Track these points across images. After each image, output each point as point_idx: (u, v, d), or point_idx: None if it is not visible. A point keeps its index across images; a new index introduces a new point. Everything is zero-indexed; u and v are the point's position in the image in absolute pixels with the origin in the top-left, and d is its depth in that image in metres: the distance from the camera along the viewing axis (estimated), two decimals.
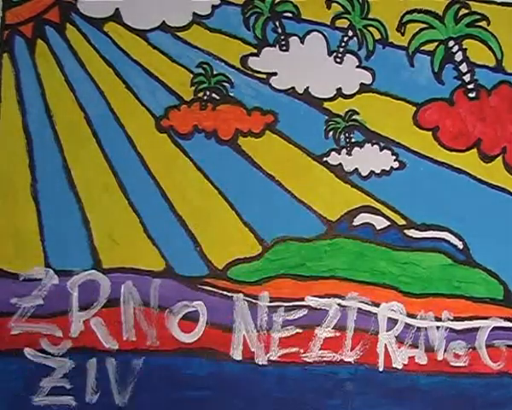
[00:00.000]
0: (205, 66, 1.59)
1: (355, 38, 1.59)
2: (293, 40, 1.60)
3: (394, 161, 1.60)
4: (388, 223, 1.60)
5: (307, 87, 1.59)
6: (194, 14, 1.58)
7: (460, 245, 1.61)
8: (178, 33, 1.59)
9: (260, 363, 1.57)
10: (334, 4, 1.59)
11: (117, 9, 1.57)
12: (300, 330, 1.58)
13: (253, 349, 1.57)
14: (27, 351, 1.54)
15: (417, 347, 1.59)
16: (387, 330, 1.59)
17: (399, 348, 1.59)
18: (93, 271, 1.56)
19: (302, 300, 1.58)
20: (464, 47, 1.60)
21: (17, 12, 1.58)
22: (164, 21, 1.58)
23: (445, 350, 1.59)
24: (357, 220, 1.60)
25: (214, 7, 1.59)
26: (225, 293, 1.57)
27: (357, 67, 1.60)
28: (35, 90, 1.58)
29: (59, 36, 1.58)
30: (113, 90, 1.59)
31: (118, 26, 1.59)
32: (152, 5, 1.58)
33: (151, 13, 1.58)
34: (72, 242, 1.56)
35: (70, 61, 1.58)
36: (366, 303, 1.59)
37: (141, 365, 1.55)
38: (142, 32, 1.59)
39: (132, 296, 1.56)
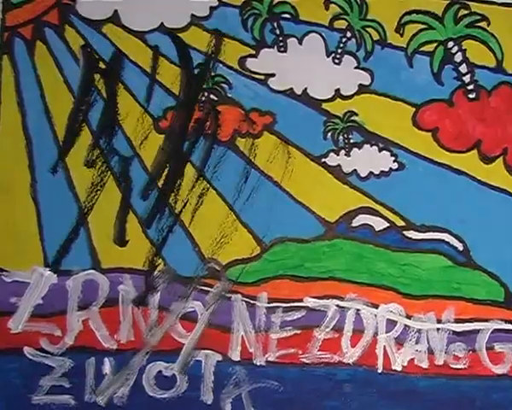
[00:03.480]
0: (203, 67, 1.62)
1: (353, 39, 1.62)
2: (292, 41, 1.64)
3: (393, 162, 1.63)
4: (387, 224, 1.63)
5: (305, 88, 1.63)
6: (193, 15, 1.62)
7: (460, 247, 1.63)
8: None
9: (258, 364, 1.60)
10: (332, 5, 1.63)
11: (115, 11, 1.62)
12: (299, 331, 1.61)
13: (251, 350, 1.61)
14: (27, 350, 1.60)
15: (417, 349, 1.61)
16: (386, 332, 1.62)
17: (399, 349, 1.62)
18: (92, 270, 1.61)
19: (300, 301, 1.61)
20: (464, 48, 1.63)
21: (17, 14, 1.63)
22: (162, 23, 1.61)
23: (445, 352, 1.62)
24: (356, 221, 1.64)
25: (212, 8, 1.63)
26: (224, 293, 1.60)
27: (356, 67, 1.62)
28: (35, 92, 1.63)
29: (58, 38, 1.63)
30: (112, 91, 1.62)
31: (116, 27, 1.62)
32: (150, 7, 1.61)
33: (149, 14, 1.61)
34: (72, 242, 1.60)
35: (69, 62, 1.62)
36: (365, 305, 1.61)
37: (139, 364, 1.59)
38: (141, 34, 1.63)
39: (131, 296, 1.59)
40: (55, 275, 1.60)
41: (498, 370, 1.63)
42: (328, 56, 1.63)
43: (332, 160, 1.63)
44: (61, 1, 1.62)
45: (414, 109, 1.63)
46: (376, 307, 1.62)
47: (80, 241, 1.61)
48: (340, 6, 1.63)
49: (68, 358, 1.60)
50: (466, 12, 1.63)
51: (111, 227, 1.61)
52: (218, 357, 1.61)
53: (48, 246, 1.61)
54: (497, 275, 1.63)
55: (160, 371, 1.61)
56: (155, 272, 1.61)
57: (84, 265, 1.61)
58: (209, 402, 1.60)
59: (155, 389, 1.60)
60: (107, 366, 1.60)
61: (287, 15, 1.63)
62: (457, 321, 1.63)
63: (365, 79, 1.63)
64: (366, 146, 1.64)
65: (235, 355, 1.61)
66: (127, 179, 1.62)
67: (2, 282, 1.59)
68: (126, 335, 1.60)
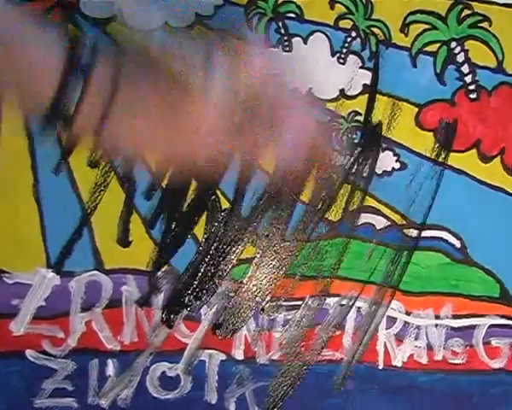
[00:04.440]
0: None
1: (358, 39, 1.62)
2: (297, 41, 1.62)
3: (396, 161, 1.64)
4: (389, 223, 1.64)
5: (310, 88, 1.62)
6: (197, 14, 1.60)
7: (458, 244, 1.65)
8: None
9: (262, 362, 1.61)
10: (337, 5, 1.61)
11: (119, 10, 1.58)
12: (301, 330, 1.62)
13: (254, 349, 1.61)
14: (29, 353, 1.58)
15: (416, 345, 1.64)
16: (387, 329, 1.64)
17: (399, 346, 1.65)
18: (95, 271, 1.59)
19: (303, 299, 1.62)
20: (466, 48, 1.64)
21: None
22: (166, 22, 1.59)
23: (444, 348, 1.65)
24: (358, 220, 1.64)
25: (217, 7, 1.60)
26: (226, 292, 1.61)
27: (361, 67, 1.62)
28: None
29: None
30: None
31: (120, 26, 1.59)
32: (154, 6, 1.59)
33: (153, 14, 1.59)
34: (75, 242, 1.58)
35: None
36: (366, 302, 1.63)
37: (143, 365, 1.59)
38: (145, 33, 1.60)
39: (134, 297, 1.59)
40: (58, 276, 1.59)
41: (495, 364, 1.67)
42: (333, 56, 1.63)
43: (335, 159, 1.64)
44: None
45: (417, 109, 1.65)
46: (377, 304, 1.65)
47: (83, 242, 1.60)
48: (345, 5, 1.63)
49: (71, 360, 1.60)
50: (469, 12, 1.64)
51: (114, 228, 1.60)
52: (222, 356, 1.62)
53: (50, 247, 1.59)
54: (492, 271, 1.67)
55: (163, 372, 1.61)
56: (159, 273, 1.60)
57: (87, 266, 1.60)
58: (213, 402, 1.62)
59: (159, 390, 1.61)
60: (111, 368, 1.60)
61: (292, 15, 1.62)
62: (455, 317, 1.66)
63: (369, 79, 1.63)
64: None
65: (239, 354, 1.62)
66: (131, 179, 1.61)
67: (4, 283, 1.58)
68: (130, 336, 1.60)
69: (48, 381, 1.59)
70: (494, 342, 1.67)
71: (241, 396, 1.62)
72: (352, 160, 1.63)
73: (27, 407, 1.58)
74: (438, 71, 1.65)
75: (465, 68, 1.65)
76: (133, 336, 1.60)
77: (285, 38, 1.63)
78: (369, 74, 1.64)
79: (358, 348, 1.63)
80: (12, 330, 1.58)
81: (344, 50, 1.64)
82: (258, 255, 1.62)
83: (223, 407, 1.62)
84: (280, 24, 1.63)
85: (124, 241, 1.60)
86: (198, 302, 1.60)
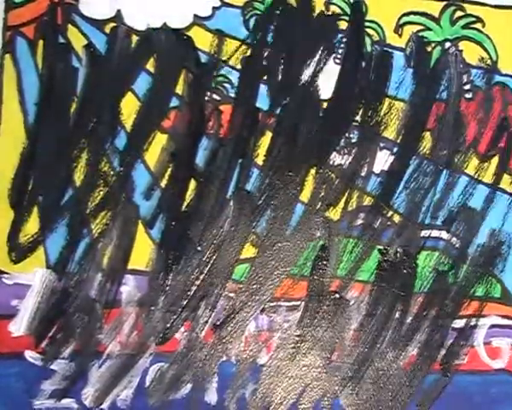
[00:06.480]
0: (206, 67, 1.63)
1: None
2: None
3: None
4: (388, 223, 1.65)
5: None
6: (195, 15, 1.64)
7: (458, 244, 1.65)
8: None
9: (261, 363, 1.61)
10: (332, 6, 1.65)
11: (118, 11, 1.62)
12: (301, 331, 1.62)
13: (254, 349, 1.61)
14: (28, 354, 1.57)
15: (417, 346, 1.63)
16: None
17: None
18: (94, 272, 1.59)
19: (303, 299, 1.62)
20: (460, 48, 1.66)
21: (19, 13, 1.62)
22: (165, 23, 1.62)
23: (445, 348, 1.64)
24: (357, 220, 1.65)
25: (215, 8, 1.64)
26: (226, 293, 1.61)
27: None
28: (37, 92, 1.61)
29: (61, 37, 1.62)
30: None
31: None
32: (153, 7, 1.62)
33: (152, 14, 1.62)
34: (74, 243, 1.59)
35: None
36: (367, 303, 1.63)
37: (143, 366, 1.59)
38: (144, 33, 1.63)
39: (134, 297, 1.59)
40: (57, 277, 1.60)
41: (496, 364, 1.66)
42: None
43: (333, 158, 1.66)
44: (64, 0, 1.63)
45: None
46: (378, 304, 1.65)
47: (82, 242, 1.61)
48: (340, 7, 1.66)
49: (70, 361, 1.60)
50: (462, 14, 1.67)
51: None
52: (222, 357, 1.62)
53: (50, 247, 1.60)
54: (493, 271, 1.67)
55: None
56: None
57: (86, 266, 1.61)
58: (213, 403, 1.61)
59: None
60: (110, 369, 1.60)
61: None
62: (456, 317, 1.66)
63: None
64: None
65: (239, 355, 1.62)
66: (130, 179, 1.62)
67: (4, 284, 1.59)
68: (129, 336, 1.60)
69: (47, 382, 1.59)
70: (495, 342, 1.67)
71: (241, 397, 1.62)
72: (350, 159, 1.65)
73: (26, 409, 1.57)
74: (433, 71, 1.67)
75: (460, 69, 1.67)
76: (133, 336, 1.60)
77: None
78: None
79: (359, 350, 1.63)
80: (11, 332, 1.58)
81: (340, 51, 1.66)
82: (259, 255, 1.63)
83: (223, 407, 1.61)
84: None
85: None
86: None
